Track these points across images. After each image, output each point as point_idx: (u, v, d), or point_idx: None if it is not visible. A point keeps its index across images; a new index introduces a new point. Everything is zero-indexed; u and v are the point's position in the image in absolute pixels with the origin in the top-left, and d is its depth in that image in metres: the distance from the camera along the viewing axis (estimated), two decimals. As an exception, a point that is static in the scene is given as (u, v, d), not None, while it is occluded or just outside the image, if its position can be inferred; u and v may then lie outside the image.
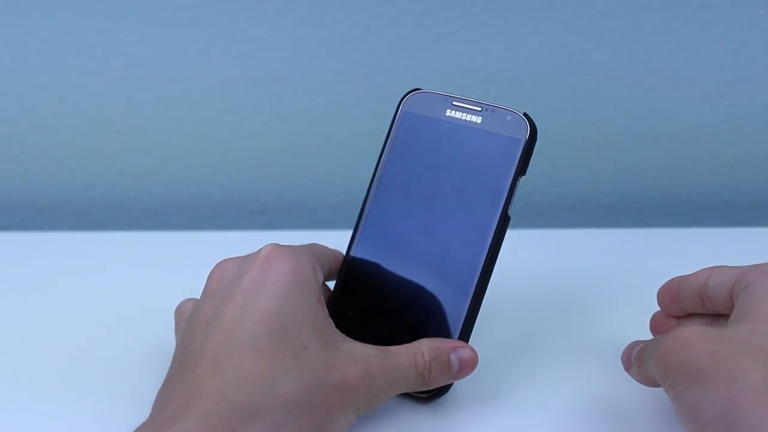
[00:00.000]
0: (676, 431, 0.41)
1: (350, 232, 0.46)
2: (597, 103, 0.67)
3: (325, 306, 0.41)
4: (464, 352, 0.42)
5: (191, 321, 0.40)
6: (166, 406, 0.36)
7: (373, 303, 0.45)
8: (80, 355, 0.48)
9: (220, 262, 0.42)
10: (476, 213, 0.43)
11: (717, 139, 0.69)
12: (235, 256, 0.42)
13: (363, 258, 0.45)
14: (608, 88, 0.67)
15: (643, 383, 0.41)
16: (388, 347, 0.41)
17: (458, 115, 0.44)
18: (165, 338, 0.45)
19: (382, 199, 0.45)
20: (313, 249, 0.43)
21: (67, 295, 0.55)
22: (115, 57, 0.64)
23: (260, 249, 0.41)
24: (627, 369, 0.42)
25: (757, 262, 0.40)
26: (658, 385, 0.38)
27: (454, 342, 0.42)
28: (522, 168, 0.42)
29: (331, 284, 0.46)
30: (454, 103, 0.45)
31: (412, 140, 0.45)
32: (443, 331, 0.43)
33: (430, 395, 0.43)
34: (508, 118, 0.43)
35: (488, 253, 0.42)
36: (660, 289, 0.44)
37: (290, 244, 0.42)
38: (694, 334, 0.36)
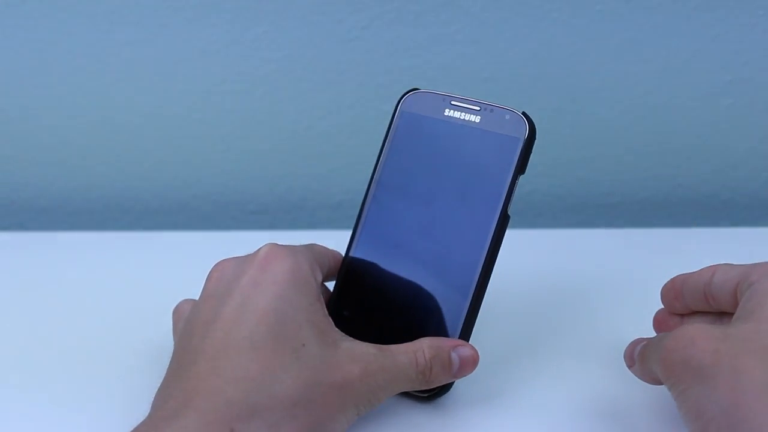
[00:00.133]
0: (676, 430, 0.41)
1: (350, 232, 0.46)
2: (597, 103, 0.67)
3: (324, 305, 0.41)
4: (465, 351, 0.42)
5: (190, 321, 0.40)
6: (164, 405, 0.36)
7: (373, 303, 0.45)
8: (80, 354, 0.48)
9: (220, 262, 0.42)
10: (476, 212, 0.43)
11: (717, 139, 0.69)
12: (235, 256, 0.42)
13: (362, 258, 0.45)
14: (608, 88, 0.67)
15: (645, 381, 0.41)
16: (388, 346, 0.41)
17: (457, 114, 0.44)
18: (164, 338, 0.45)
19: (381, 199, 0.45)
20: (312, 249, 0.43)
21: (67, 295, 0.55)
22: (115, 57, 0.64)
23: (259, 249, 0.41)
24: (630, 366, 0.42)
25: (757, 262, 0.40)
26: (660, 383, 0.38)
27: (454, 340, 0.42)
28: (521, 167, 0.42)
29: (331, 284, 0.46)
30: (453, 102, 0.45)
31: (410, 140, 0.45)
32: (443, 331, 0.43)
33: (431, 395, 0.43)
34: (507, 117, 0.43)
35: (488, 252, 0.42)
36: (663, 287, 0.44)
37: (290, 244, 0.42)
38: (698, 332, 0.35)
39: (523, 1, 0.63)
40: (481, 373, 0.45)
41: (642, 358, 0.41)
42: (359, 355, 0.39)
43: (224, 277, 0.41)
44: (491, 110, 0.44)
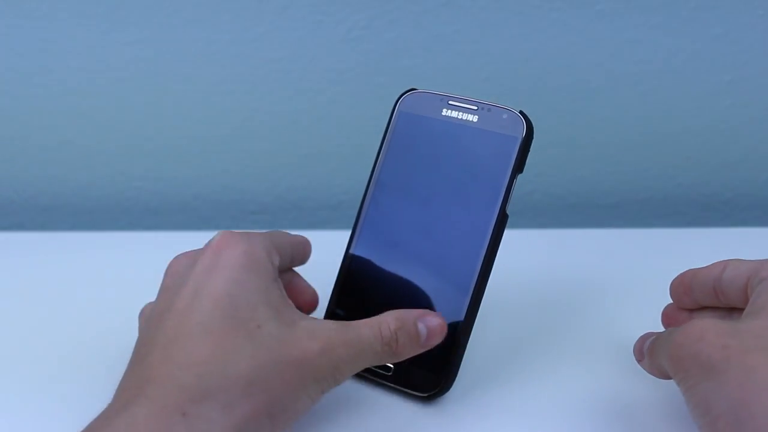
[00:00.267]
0: (677, 429, 0.41)
1: (350, 232, 0.46)
2: (597, 103, 0.67)
3: (281, 288, 0.40)
4: (432, 320, 0.41)
5: (148, 317, 0.40)
6: (118, 397, 0.36)
7: (372, 302, 0.45)
8: (80, 354, 0.48)
9: (176, 256, 0.42)
10: (474, 211, 0.43)
11: (717, 139, 0.69)
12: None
13: (362, 258, 0.45)
14: (608, 88, 0.67)
15: (654, 375, 0.41)
16: (351, 321, 0.40)
17: (454, 114, 0.44)
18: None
19: (380, 199, 0.46)
20: (270, 234, 0.43)
21: (67, 295, 0.55)
22: (115, 57, 0.64)
23: (213, 237, 0.41)
24: (639, 361, 0.42)
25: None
26: (669, 378, 0.38)
27: (420, 310, 0.41)
28: (519, 166, 0.42)
29: (330, 286, 0.46)
30: (450, 102, 0.45)
31: (408, 140, 0.45)
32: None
33: (431, 395, 0.43)
34: (505, 116, 0.43)
35: (487, 251, 0.42)
36: (673, 282, 0.43)
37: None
38: (708, 328, 0.35)
39: (523, 1, 0.63)
40: (480, 373, 0.45)
41: (651, 353, 0.40)
42: (319, 330, 0.38)
43: (180, 270, 0.40)
44: (489, 109, 0.44)
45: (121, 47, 0.64)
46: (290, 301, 0.40)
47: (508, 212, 0.43)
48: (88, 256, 0.60)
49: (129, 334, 0.50)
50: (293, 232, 0.65)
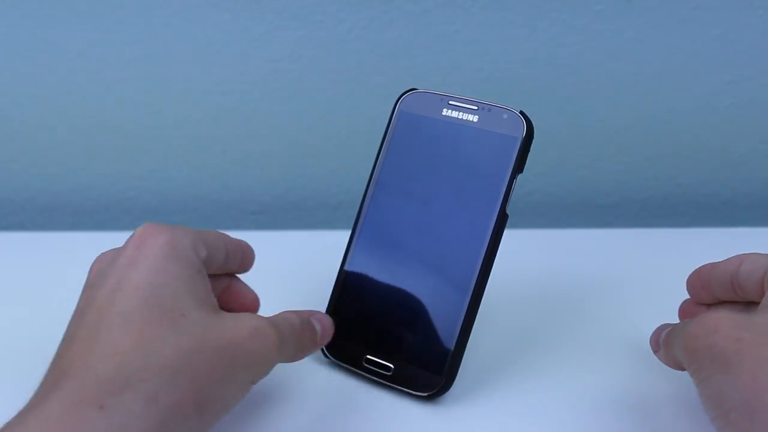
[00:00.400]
0: (676, 430, 0.41)
1: (349, 232, 0.46)
2: (597, 103, 0.67)
3: (207, 280, 0.39)
4: (323, 318, 0.43)
5: (72, 317, 0.39)
6: (35, 393, 0.34)
7: (372, 302, 0.45)
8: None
9: (101, 253, 0.41)
10: (474, 211, 0.43)
11: (717, 139, 0.69)
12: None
13: (362, 258, 0.45)
14: (608, 88, 0.67)
15: (669, 366, 0.41)
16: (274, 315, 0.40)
17: (455, 114, 0.44)
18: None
19: (380, 199, 0.46)
20: (198, 229, 0.41)
21: (67, 295, 0.55)
22: (114, 57, 0.64)
23: (136, 230, 0.39)
24: (655, 352, 0.42)
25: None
26: (683, 369, 0.38)
27: (309, 310, 0.42)
28: (519, 166, 0.42)
29: (330, 286, 0.46)
30: (451, 102, 0.45)
31: (408, 140, 0.45)
32: (442, 329, 0.43)
33: (431, 395, 0.43)
34: (505, 116, 0.43)
35: (487, 251, 0.42)
36: (690, 277, 0.43)
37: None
38: (722, 320, 0.35)
39: (523, 1, 0.63)
40: (480, 373, 0.45)
41: (667, 344, 0.40)
42: (246, 317, 0.37)
43: (102, 266, 0.39)
44: (489, 110, 0.44)
45: (121, 47, 0.64)
46: (213, 296, 0.39)
47: (508, 212, 0.43)
48: (88, 256, 0.60)
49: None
50: (293, 232, 0.66)
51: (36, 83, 0.65)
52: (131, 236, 0.39)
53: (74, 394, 0.32)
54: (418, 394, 0.43)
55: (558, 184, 0.71)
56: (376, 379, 0.44)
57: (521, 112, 0.43)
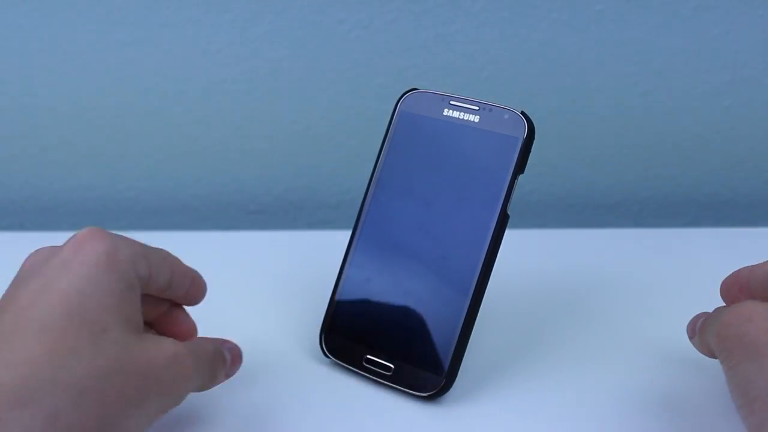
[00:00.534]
0: (676, 430, 0.41)
1: (350, 232, 0.46)
2: (597, 103, 0.67)
3: (138, 298, 0.37)
4: (233, 346, 0.41)
5: None
6: None
7: (372, 302, 0.45)
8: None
9: (38, 249, 0.38)
10: (475, 212, 0.43)
11: (717, 139, 0.69)
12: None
13: (362, 258, 0.45)
14: (608, 88, 0.67)
15: (703, 353, 0.41)
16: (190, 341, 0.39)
17: (456, 114, 0.44)
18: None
19: (381, 199, 0.46)
20: (146, 246, 0.39)
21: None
22: (115, 57, 0.64)
23: (79, 230, 0.37)
24: (691, 338, 0.42)
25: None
26: (716, 357, 0.38)
27: (219, 339, 0.41)
28: (520, 166, 0.42)
29: (329, 286, 0.46)
30: (452, 102, 0.45)
31: (409, 140, 0.45)
32: (443, 330, 0.43)
33: (431, 395, 0.43)
34: (506, 116, 0.43)
35: (488, 251, 0.42)
36: (725, 281, 0.42)
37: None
38: (757, 310, 0.35)
39: (523, 1, 0.63)
40: (480, 373, 0.45)
41: (702, 331, 0.40)
42: (167, 342, 0.36)
43: (36, 262, 0.37)
44: (490, 110, 0.44)
45: (121, 47, 0.64)
46: (141, 316, 0.37)
47: (509, 213, 0.43)
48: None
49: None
50: (293, 232, 0.66)
51: (36, 83, 0.65)
52: (72, 237, 0.37)
53: None
54: (419, 394, 0.43)
55: (558, 184, 0.71)
56: (376, 379, 0.44)
57: (522, 113, 0.43)
